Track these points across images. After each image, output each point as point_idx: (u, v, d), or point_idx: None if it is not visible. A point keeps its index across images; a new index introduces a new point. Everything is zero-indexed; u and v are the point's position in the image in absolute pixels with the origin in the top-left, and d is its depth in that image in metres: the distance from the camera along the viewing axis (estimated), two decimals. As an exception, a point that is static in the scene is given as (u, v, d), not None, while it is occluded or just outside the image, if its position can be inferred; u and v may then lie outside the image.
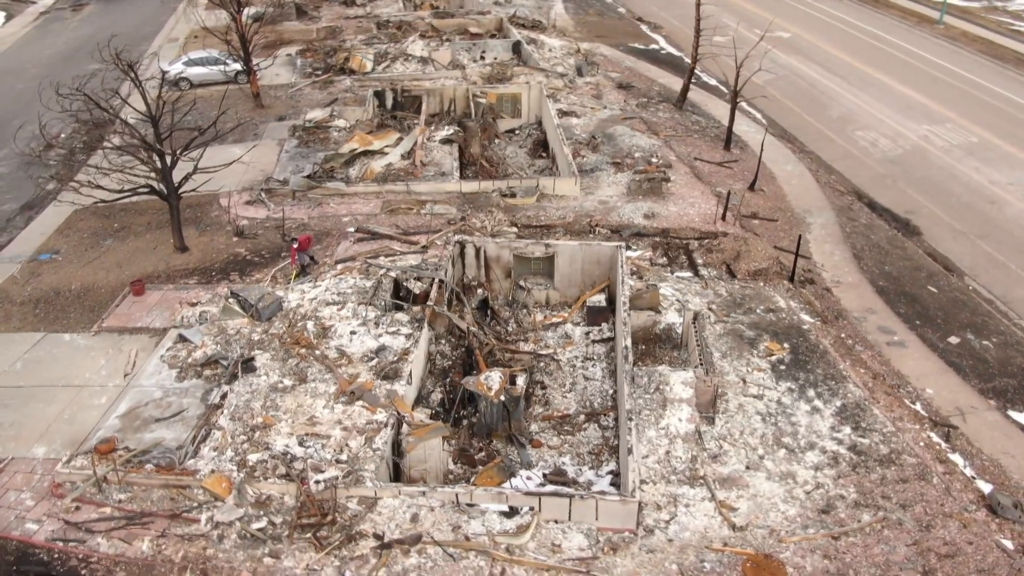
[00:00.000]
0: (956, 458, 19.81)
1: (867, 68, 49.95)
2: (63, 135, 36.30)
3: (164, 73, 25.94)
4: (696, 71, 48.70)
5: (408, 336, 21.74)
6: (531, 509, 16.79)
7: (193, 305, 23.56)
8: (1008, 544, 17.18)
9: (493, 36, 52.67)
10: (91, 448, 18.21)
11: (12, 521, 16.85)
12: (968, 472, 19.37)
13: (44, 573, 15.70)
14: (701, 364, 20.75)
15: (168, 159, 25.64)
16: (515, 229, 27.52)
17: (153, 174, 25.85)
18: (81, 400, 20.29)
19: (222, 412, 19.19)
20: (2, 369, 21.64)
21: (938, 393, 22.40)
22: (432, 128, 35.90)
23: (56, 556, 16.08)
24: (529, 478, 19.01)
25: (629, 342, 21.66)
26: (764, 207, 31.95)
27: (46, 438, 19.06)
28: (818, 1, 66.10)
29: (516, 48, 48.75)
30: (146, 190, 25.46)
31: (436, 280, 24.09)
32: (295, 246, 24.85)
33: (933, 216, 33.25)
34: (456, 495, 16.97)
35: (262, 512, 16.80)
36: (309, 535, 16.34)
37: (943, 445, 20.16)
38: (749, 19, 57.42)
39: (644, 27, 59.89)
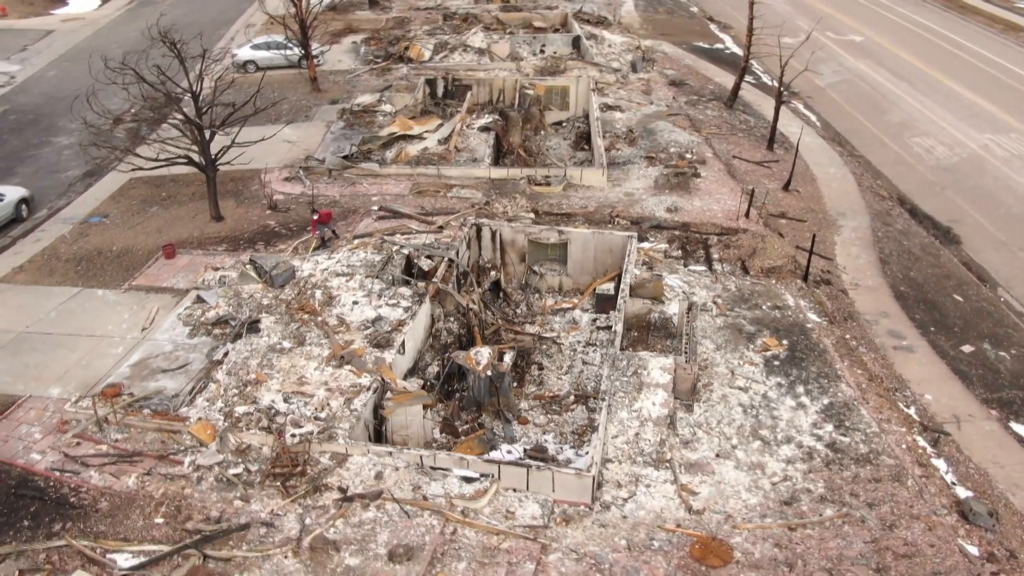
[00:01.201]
0: (940, 463, 19.48)
1: (938, 74, 48.44)
2: (133, 110, 38.56)
3: (205, 52, 27.39)
4: (758, 71, 48.39)
5: (407, 309, 22.60)
6: (490, 476, 17.39)
7: (216, 270, 24.98)
8: (973, 550, 16.88)
9: (556, 31, 53.22)
10: (99, 391, 19.70)
11: (20, 451, 18.43)
12: (949, 478, 19.03)
13: (38, 498, 17.16)
14: (685, 352, 20.94)
15: (207, 133, 27.18)
16: (532, 215, 28.06)
17: (195, 146, 27.48)
18: (100, 349, 21.89)
19: (222, 367, 20.42)
20: (39, 317, 23.48)
21: (937, 399, 21.96)
22: (474, 116, 36.74)
23: (51, 484, 17.53)
24: (510, 452, 19.60)
25: (620, 327, 22.03)
26: (796, 207, 31.61)
27: (63, 380, 20.69)
28: (899, 6, 64.21)
29: (576, 43, 49.16)
30: (184, 161, 27.05)
31: (446, 259, 24.89)
32: (315, 217, 26.06)
33: (977, 225, 32.30)
34: (420, 457, 17.71)
35: (240, 460, 17.91)
36: (279, 483, 17.35)
37: (929, 450, 19.83)
38: (825, 21, 56.59)
39: (713, 26, 59.42)
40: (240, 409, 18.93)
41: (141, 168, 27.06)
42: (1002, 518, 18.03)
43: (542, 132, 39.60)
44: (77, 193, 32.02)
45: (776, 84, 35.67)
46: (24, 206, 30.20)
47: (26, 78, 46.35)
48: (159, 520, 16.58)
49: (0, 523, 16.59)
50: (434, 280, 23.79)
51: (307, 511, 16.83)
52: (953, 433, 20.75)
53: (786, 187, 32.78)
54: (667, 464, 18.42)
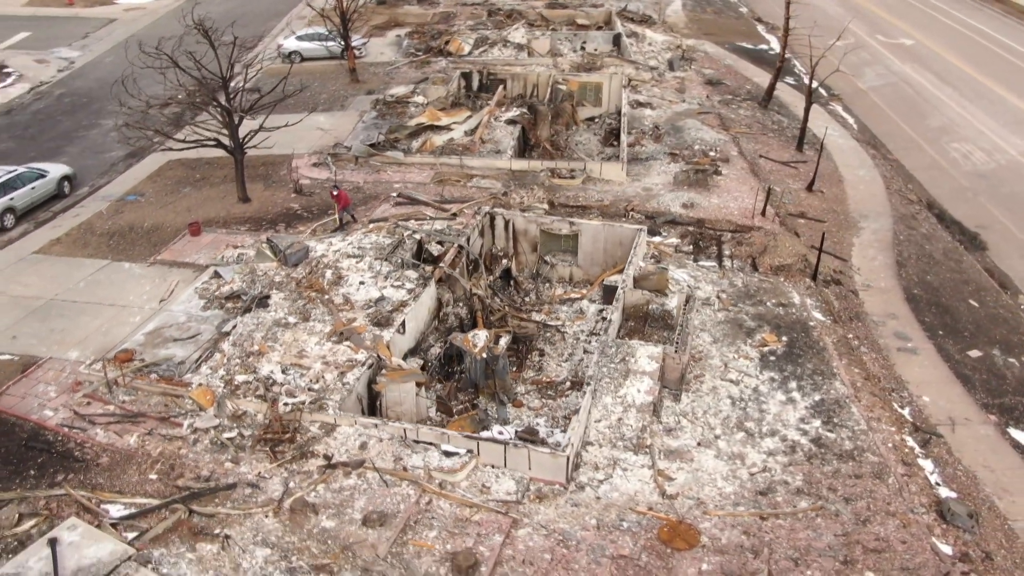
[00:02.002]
0: (927, 464, 19.40)
1: (986, 80, 47.30)
2: (180, 96, 40.08)
3: (235, 39, 28.53)
4: (800, 72, 47.95)
5: (411, 291, 23.27)
6: (468, 452, 17.95)
7: (236, 248, 26.04)
8: (946, 549, 16.85)
9: (599, 28, 53.47)
10: (112, 356, 20.83)
11: (35, 407, 19.63)
12: (934, 478, 18.95)
13: (46, 450, 18.29)
14: (676, 342, 21.18)
15: (235, 117, 28.30)
16: (546, 206, 28.50)
17: (225, 130, 28.63)
18: (120, 318, 23.08)
19: (228, 338, 21.38)
20: (68, 286, 24.82)
21: (934, 401, 21.78)
22: (503, 109, 37.30)
23: (59, 439, 18.67)
24: (501, 432, 20.13)
25: (617, 316, 22.38)
26: (817, 208, 31.43)
27: (82, 345, 21.90)
28: (955, 10, 62.71)
29: (616, 40, 49.38)
30: (213, 143, 28.20)
31: (456, 245, 25.50)
32: (334, 193, 26.99)
33: (1006, 232, 31.69)
34: (404, 430, 18.36)
35: (235, 425, 18.80)
36: (268, 448, 18.17)
37: (917, 450, 19.75)
38: (876, 24, 55.85)
39: (760, 27, 58.86)
40: (240, 378, 19.83)
41: (171, 149, 28.30)
42: (983, 521, 17.92)
43: (573, 127, 39.93)
44: (118, 172, 33.53)
45: (810, 83, 35.42)
46: (67, 183, 31.76)
47: (84, 64, 48.42)
48: (153, 476, 17.55)
49: (9, 471, 17.75)
50: (441, 264, 24.42)
51: (292, 475, 17.62)
52: (946, 435, 20.58)
53: (809, 187, 32.59)
54: (646, 450, 18.73)
